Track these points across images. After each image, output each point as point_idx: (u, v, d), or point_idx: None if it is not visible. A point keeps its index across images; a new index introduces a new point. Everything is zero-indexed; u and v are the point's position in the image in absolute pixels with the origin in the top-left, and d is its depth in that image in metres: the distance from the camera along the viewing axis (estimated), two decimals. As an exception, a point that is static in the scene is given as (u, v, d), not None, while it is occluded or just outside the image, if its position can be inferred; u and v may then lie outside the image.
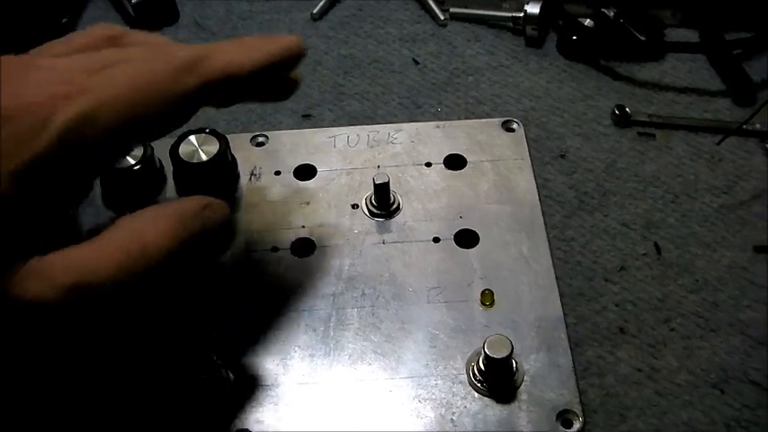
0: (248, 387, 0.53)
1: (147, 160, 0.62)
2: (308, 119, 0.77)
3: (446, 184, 0.63)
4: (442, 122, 0.68)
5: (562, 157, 0.74)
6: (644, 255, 0.67)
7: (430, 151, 0.65)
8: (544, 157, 0.73)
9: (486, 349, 0.51)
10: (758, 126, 0.75)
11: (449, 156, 0.65)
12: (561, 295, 0.58)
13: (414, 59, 0.83)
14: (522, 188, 0.63)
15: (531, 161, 0.65)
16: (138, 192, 0.63)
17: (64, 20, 0.87)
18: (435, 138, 0.66)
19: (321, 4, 0.87)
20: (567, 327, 0.56)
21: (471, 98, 0.79)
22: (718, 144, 0.73)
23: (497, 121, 0.67)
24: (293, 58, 0.53)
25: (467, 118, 0.74)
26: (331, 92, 0.80)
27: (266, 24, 0.88)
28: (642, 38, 0.80)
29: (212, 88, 0.47)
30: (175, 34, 0.87)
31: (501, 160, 0.65)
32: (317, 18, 0.87)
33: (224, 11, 0.90)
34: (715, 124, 0.76)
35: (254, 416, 0.52)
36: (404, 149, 0.66)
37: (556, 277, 0.58)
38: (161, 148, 0.62)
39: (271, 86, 0.54)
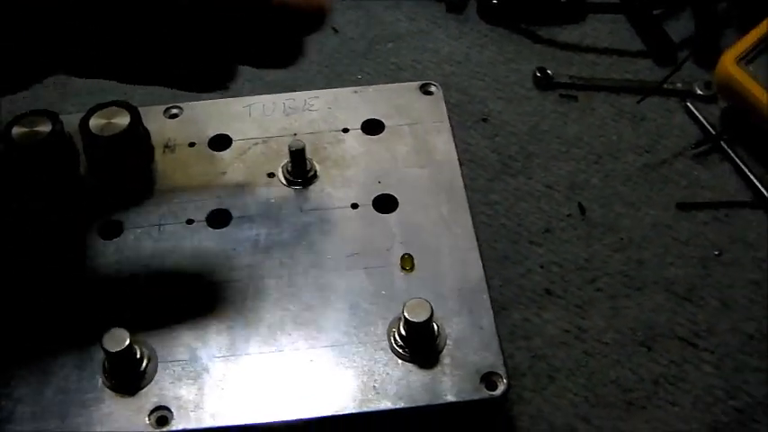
0: (165, 362, 0.52)
1: (56, 134, 0.60)
2: (224, 90, 0.75)
3: (364, 149, 0.62)
4: (360, 87, 0.66)
5: (484, 120, 0.73)
6: (568, 216, 0.66)
7: (347, 117, 0.64)
8: (466, 121, 0.72)
9: (405, 313, 0.50)
10: (679, 85, 0.75)
11: (366, 121, 0.64)
12: (486, 259, 0.57)
13: (333, 27, 0.82)
14: (441, 150, 0.62)
15: (451, 124, 0.64)
16: (48, 168, 0.61)
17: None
18: (353, 103, 0.65)
19: (237, -26, 0.86)
20: (491, 289, 0.55)
21: (392, 65, 0.78)
22: (638, 103, 0.73)
23: (415, 84, 0.66)
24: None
25: (388, 85, 0.73)
26: (247, 60, 0.78)
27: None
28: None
29: None
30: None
31: (419, 123, 0.64)
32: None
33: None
34: (636, 84, 0.76)
35: (172, 392, 0.50)
36: (320, 116, 0.64)
37: (481, 241, 0.58)
38: (71, 121, 0.60)
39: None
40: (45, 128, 0.60)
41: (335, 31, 0.81)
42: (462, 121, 0.72)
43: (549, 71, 0.76)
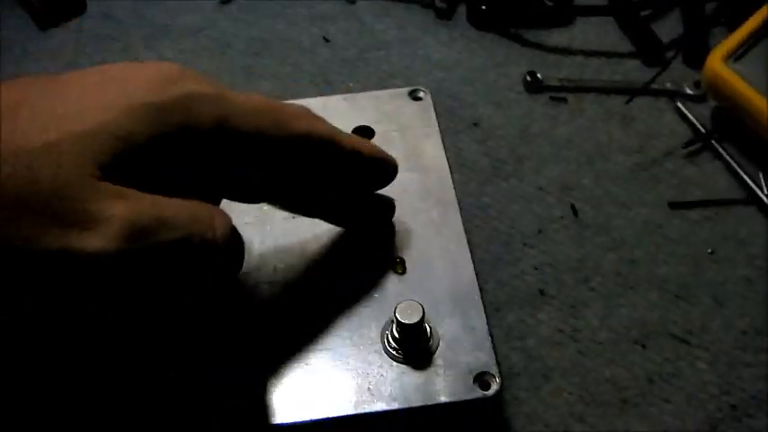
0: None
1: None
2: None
3: (355, 155, 0.63)
4: (349, 95, 0.67)
5: (475, 125, 0.74)
6: (561, 217, 0.67)
7: (337, 124, 0.63)
8: (457, 126, 0.73)
9: (397, 315, 0.50)
10: (668, 85, 0.75)
11: (357, 128, 0.64)
12: (480, 262, 0.57)
13: (324, 37, 0.82)
14: (431, 155, 0.62)
15: (441, 129, 0.65)
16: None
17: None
18: (342, 110, 0.66)
19: (229, -13, 0.87)
20: (485, 292, 0.56)
21: (383, 72, 0.78)
22: (627, 103, 0.73)
23: (404, 90, 0.67)
24: (385, 169, 0.55)
25: (380, 92, 0.74)
26: (240, 74, 0.79)
27: (173, 10, 0.86)
28: (550, 3, 0.81)
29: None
30: (82, 25, 0.86)
31: (409, 129, 0.64)
32: (226, 1, 0.86)
33: (131, -1, 0.89)
34: (626, 85, 0.76)
35: (168, 399, 0.51)
36: (311, 124, 0.65)
37: (474, 244, 0.58)
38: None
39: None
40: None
41: (326, 40, 0.82)
42: (453, 126, 0.72)
43: (538, 75, 0.76)
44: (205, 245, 0.42)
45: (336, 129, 0.50)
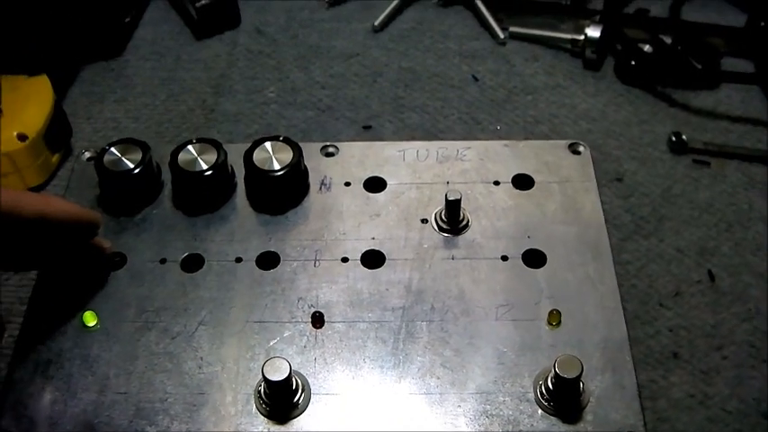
0: (318, 395, 0.54)
1: (220, 166, 0.62)
2: (368, 130, 0.78)
3: (514, 202, 0.64)
4: (510, 142, 0.68)
5: (619, 180, 0.75)
6: (698, 282, 0.68)
7: (498, 170, 0.66)
8: (601, 179, 0.74)
9: (556, 368, 0.51)
10: (813, 159, 0.76)
11: (517, 175, 0.66)
12: (618, 318, 0.58)
13: (473, 76, 0.84)
14: (588, 210, 0.63)
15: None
16: (208, 195, 0.64)
17: (126, 20, 0.88)
18: (503, 156, 0.67)
19: (383, 15, 0.89)
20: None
21: (529, 117, 0.80)
22: (775, 175, 0.74)
23: (564, 143, 0.68)
24: (80, 226, 0.58)
25: (526, 137, 0.75)
26: (391, 104, 0.81)
27: (326, 33, 0.89)
28: (698, 66, 0.81)
29: None
30: (236, 38, 0.88)
31: (568, 182, 0.65)
32: (378, 30, 0.88)
33: (285, 18, 0.91)
34: (770, 155, 0.77)
35: (323, 424, 0.53)
36: (472, 167, 0.66)
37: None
38: (235, 152, 0.64)
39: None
40: (210, 157, 0.63)
41: (476, 79, 0.84)
42: (597, 178, 0.73)
43: (683, 136, 0.77)
44: None
45: (22, 195, 0.56)
